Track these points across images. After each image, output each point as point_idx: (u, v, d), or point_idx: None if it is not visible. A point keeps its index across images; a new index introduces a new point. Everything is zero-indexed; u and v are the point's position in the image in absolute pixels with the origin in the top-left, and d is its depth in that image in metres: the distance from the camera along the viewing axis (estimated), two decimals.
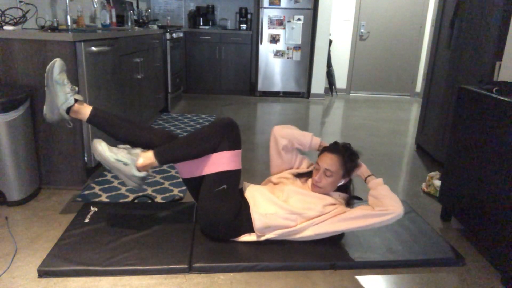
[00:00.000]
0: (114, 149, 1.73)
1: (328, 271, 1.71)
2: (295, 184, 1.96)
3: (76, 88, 1.83)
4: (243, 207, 1.81)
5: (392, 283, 1.65)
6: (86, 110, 1.80)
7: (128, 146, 1.78)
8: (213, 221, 1.75)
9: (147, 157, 1.73)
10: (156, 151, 1.74)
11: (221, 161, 1.75)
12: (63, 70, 1.79)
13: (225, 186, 1.74)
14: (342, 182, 1.90)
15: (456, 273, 1.74)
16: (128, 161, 1.70)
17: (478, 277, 1.72)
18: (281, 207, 1.79)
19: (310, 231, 1.79)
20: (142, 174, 1.73)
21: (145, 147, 1.79)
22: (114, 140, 1.89)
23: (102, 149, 1.71)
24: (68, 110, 1.78)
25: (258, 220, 1.76)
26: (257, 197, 1.85)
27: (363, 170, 1.90)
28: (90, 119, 1.81)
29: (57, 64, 1.75)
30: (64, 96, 1.77)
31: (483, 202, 1.80)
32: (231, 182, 1.76)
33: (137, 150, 1.75)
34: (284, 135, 2.02)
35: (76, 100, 1.79)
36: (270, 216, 1.76)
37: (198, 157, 1.76)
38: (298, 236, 1.81)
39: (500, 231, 1.67)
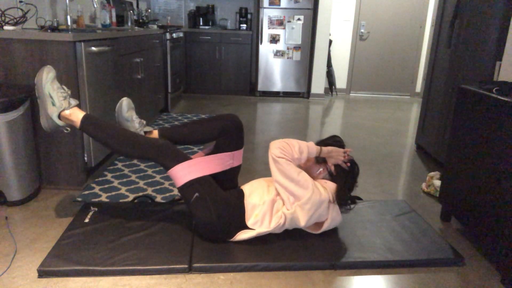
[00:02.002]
0: (56, 85, 1.74)
1: (328, 271, 1.71)
2: None
3: (144, 122, 1.93)
4: (239, 201, 1.81)
5: (392, 283, 1.65)
6: (155, 136, 1.90)
7: (69, 92, 1.81)
8: (206, 225, 1.76)
9: (75, 115, 1.75)
10: (85, 117, 1.77)
11: (176, 176, 1.76)
12: (130, 108, 1.90)
13: (197, 194, 1.74)
14: (320, 169, 1.92)
15: (456, 273, 1.74)
16: (57, 104, 1.71)
17: (478, 277, 1.72)
18: (267, 197, 1.81)
19: (285, 209, 1.80)
20: (60, 123, 1.76)
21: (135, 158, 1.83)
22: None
23: (46, 77, 1.72)
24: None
25: (250, 215, 1.79)
26: (254, 186, 1.88)
27: (324, 150, 1.86)
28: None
29: (124, 103, 1.87)
30: (134, 130, 1.87)
31: (483, 202, 1.80)
32: (201, 188, 1.75)
33: (74, 102, 1.79)
34: (281, 155, 1.80)
35: (146, 133, 1.88)
36: (259, 207, 1.79)
37: (115, 153, 1.81)
38: (282, 220, 1.79)
39: (500, 231, 1.67)
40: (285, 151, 1.78)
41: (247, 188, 1.89)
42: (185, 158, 1.79)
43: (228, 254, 1.73)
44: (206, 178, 1.79)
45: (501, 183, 1.67)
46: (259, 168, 2.88)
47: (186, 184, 1.75)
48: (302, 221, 1.78)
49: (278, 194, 1.83)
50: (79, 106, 1.90)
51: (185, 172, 1.75)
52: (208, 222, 1.74)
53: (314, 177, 1.93)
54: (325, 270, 1.71)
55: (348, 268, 1.73)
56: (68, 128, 1.88)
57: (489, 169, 1.76)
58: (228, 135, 1.91)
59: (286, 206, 1.80)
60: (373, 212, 2.21)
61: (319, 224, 1.88)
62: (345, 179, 1.88)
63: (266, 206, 1.80)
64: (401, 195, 2.56)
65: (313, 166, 1.93)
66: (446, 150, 2.20)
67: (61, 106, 1.77)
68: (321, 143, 1.94)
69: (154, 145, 1.77)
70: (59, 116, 1.79)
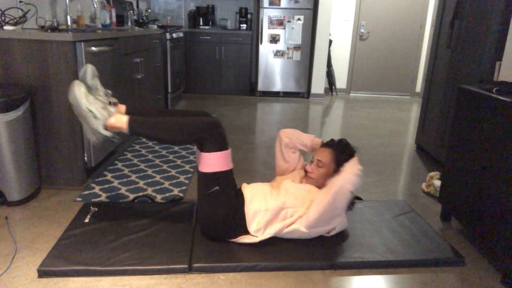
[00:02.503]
0: (91, 98, 1.67)
1: (328, 271, 1.71)
2: (294, 179, 1.98)
3: (110, 92, 1.80)
4: (239, 206, 1.80)
5: (392, 283, 1.65)
6: (121, 110, 1.80)
7: (105, 100, 1.73)
8: (211, 222, 1.76)
9: (120, 120, 1.69)
10: (130, 119, 1.70)
11: (210, 163, 1.72)
12: (95, 75, 1.77)
13: (217, 188, 1.73)
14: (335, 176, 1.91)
15: (456, 273, 1.74)
16: (99, 116, 1.65)
17: (478, 277, 1.72)
18: (272, 203, 1.79)
19: (297, 224, 1.79)
20: (107, 133, 1.69)
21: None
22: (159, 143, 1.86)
23: (79, 93, 1.65)
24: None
25: (252, 222, 1.77)
26: (255, 191, 1.86)
27: (351, 162, 1.87)
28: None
29: (89, 70, 1.72)
30: (99, 114, 1.71)
31: (483, 202, 1.80)
32: (223, 183, 1.75)
33: (113, 109, 1.72)
34: (287, 134, 2.09)
35: (111, 103, 1.76)
36: (262, 213, 1.77)
37: (170, 144, 1.74)
38: (288, 230, 1.80)
39: (500, 231, 1.67)
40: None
41: (248, 192, 1.86)
42: (227, 145, 1.76)
43: (228, 254, 1.73)
44: (230, 174, 1.78)
45: (501, 183, 1.67)
46: (259, 168, 2.88)
47: (215, 174, 1.72)
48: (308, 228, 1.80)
49: (285, 202, 1.80)
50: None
51: (220, 161, 1.72)
52: (212, 220, 1.74)
53: (325, 183, 1.90)
54: (325, 270, 1.71)
55: (348, 268, 1.73)
56: (117, 136, 1.81)
57: (489, 169, 1.76)
58: (214, 135, 1.76)
59: (302, 223, 1.78)
60: (373, 212, 2.21)
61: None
62: None
63: (270, 214, 1.78)
64: (401, 195, 2.56)
65: (332, 174, 1.91)
66: (446, 150, 2.20)
67: (104, 117, 1.69)
68: (331, 146, 1.95)
69: (206, 124, 1.70)
70: (105, 127, 1.71)
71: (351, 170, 1.74)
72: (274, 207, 1.78)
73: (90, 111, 1.64)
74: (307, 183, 1.93)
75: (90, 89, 1.76)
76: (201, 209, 1.77)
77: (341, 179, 1.72)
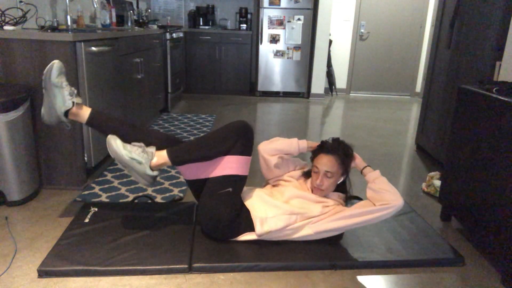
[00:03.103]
0: (128, 146, 1.70)
1: (328, 271, 1.71)
2: (294, 186, 1.95)
3: (75, 90, 1.80)
4: (244, 210, 1.81)
5: (392, 283, 1.65)
6: (85, 113, 1.79)
7: (142, 144, 1.76)
8: (214, 221, 1.75)
9: (161, 156, 1.73)
10: (170, 151, 1.74)
11: (230, 165, 1.74)
12: (61, 73, 1.76)
13: (230, 189, 1.74)
14: (342, 179, 1.92)
15: (456, 273, 1.74)
16: (143, 160, 1.69)
17: (478, 277, 1.72)
18: (281, 208, 1.79)
19: (309, 229, 1.79)
20: (155, 173, 1.73)
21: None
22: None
23: (117, 146, 1.68)
24: (67, 112, 1.77)
25: (260, 226, 1.76)
26: (256, 202, 1.84)
27: (358, 161, 1.90)
28: (89, 122, 1.80)
29: (55, 66, 1.73)
30: (62, 99, 1.75)
31: (483, 202, 1.80)
32: (237, 186, 1.77)
33: (151, 149, 1.75)
34: (271, 152, 1.97)
35: (74, 103, 1.77)
36: (270, 220, 1.76)
37: (211, 159, 1.76)
38: (297, 235, 1.81)
39: (499, 231, 1.67)
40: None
41: (247, 198, 1.86)
42: (251, 151, 1.79)
43: (228, 254, 1.73)
44: (244, 180, 1.80)
45: (501, 183, 1.67)
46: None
47: (234, 176, 1.74)
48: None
49: (293, 207, 1.80)
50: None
51: (242, 165, 1.75)
52: (217, 219, 1.74)
53: (332, 188, 1.90)
54: (325, 270, 1.71)
55: (348, 268, 1.73)
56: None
57: (489, 169, 1.76)
58: (246, 139, 1.79)
59: (320, 227, 1.78)
60: None
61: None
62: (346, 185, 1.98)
63: (282, 221, 1.77)
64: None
65: (339, 178, 1.90)
66: (446, 150, 2.20)
67: (147, 159, 1.71)
68: (345, 163, 1.89)
69: (238, 128, 1.74)
70: (151, 168, 1.72)
71: (397, 198, 1.72)
72: (284, 214, 1.78)
73: (133, 159, 1.68)
74: (314, 193, 1.89)
75: (55, 86, 1.73)
76: (205, 209, 1.75)
77: (394, 207, 1.70)
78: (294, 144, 1.96)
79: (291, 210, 1.78)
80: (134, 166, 1.69)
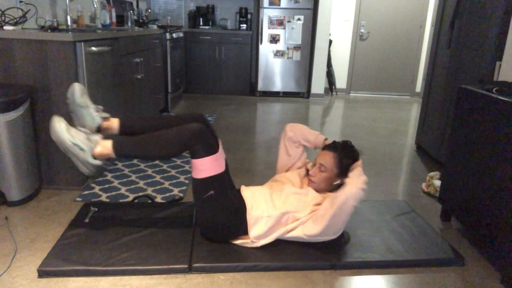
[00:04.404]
0: (73, 131, 1.68)
1: (328, 271, 1.71)
2: (295, 183, 1.96)
3: (101, 107, 1.85)
4: (239, 208, 1.79)
5: (392, 283, 1.65)
6: (114, 124, 1.83)
7: (87, 130, 1.75)
8: (211, 225, 1.75)
9: (105, 146, 1.69)
10: (115, 142, 1.70)
11: (201, 168, 1.70)
12: (84, 93, 1.80)
13: (212, 192, 1.71)
14: (339, 181, 1.90)
15: (456, 273, 1.74)
16: (85, 147, 1.66)
17: (478, 277, 1.72)
18: (275, 209, 1.78)
19: (299, 231, 1.79)
20: (98, 162, 1.70)
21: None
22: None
23: (61, 129, 1.65)
24: (99, 129, 1.80)
25: (253, 228, 1.76)
26: (256, 196, 1.84)
27: (355, 170, 1.84)
28: (121, 129, 1.81)
29: (76, 88, 1.76)
30: (91, 117, 1.78)
31: (483, 202, 1.80)
32: (218, 186, 1.73)
33: (97, 137, 1.72)
34: (292, 128, 2.08)
35: (103, 118, 1.81)
36: (264, 220, 1.76)
37: (159, 160, 1.75)
38: (289, 235, 1.80)
39: (500, 231, 1.67)
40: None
41: (248, 197, 1.83)
42: (216, 147, 1.73)
43: (228, 254, 1.73)
44: (224, 176, 1.75)
45: (501, 183, 1.67)
46: (259, 168, 2.88)
47: (209, 178, 1.70)
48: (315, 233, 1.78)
49: (287, 209, 1.79)
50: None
51: (212, 165, 1.70)
52: (212, 223, 1.74)
53: (327, 188, 1.90)
54: (325, 270, 1.71)
55: (348, 268, 1.73)
56: (108, 162, 1.82)
57: (489, 169, 1.76)
58: (204, 139, 1.72)
59: (305, 232, 1.77)
60: (373, 212, 2.21)
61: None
62: None
63: (273, 220, 1.77)
64: (401, 195, 2.56)
65: (335, 178, 1.89)
66: (446, 150, 2.20)
67: (90, 147, 1.69)
68: (343, 165, 1.87)
69: (191, 132, 1.67)
70: (94, 157, 1.71)
71: (355, 183, 1.69)
72: (277, 214, 1.77)
73: (75, 144, 1.65)
74: (308, 186, 1.92)
75: (81, 107, 1.78)
76: (199, 214, 1.76)
77: (346, 193, 1.67)
78: (313, 134, 2.06)
79: (282, 212, 1.77)
80: (75, 152, 1.65)
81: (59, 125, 1.65)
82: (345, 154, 1.87)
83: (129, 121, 1.86)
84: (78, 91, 1.77)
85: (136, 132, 1.84)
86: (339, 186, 1.91)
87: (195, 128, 1.68)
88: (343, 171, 1.86)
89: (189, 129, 1.68)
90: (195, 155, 1.69)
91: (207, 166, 1.69)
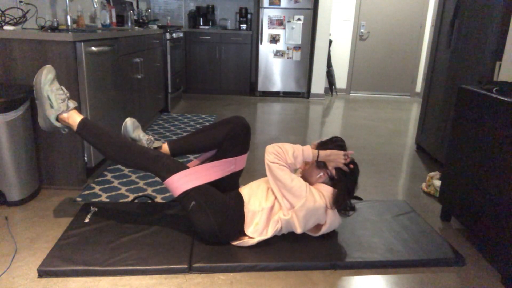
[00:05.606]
0: (55, 87, 1.73)
1: (328, 271, 1.71)
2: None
3: (152, 139, 1.88)
4: (238, 206, 1.78)
5: (392, 283, 1.65)
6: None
7: (68, 95, 1.81)
8: (207, 231, 1.75)
9: (73, 118, 1.77)
10: (83, 122, 1.77)
11: (172, 186, 1.73)
12: (136, 127, 1.85)
13: (194, 203, 1.72)
14: (321, 173, 1.85)
15: (456, 273, 1.74)
16: (55, 106, 1.71)
17: (478, 277, 1.72)
18: (267, 202, 1.78)
19: (288, 213, 1.76)
20: (58, 125, 1.77)
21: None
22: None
23: (45, 79, 1.71)
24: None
25: (250, 223, 1.77)
26: (254, 189, 1.86)
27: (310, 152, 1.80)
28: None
29: (44, 72, 1.76)
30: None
31: (483, 202, 1.80)
32: (197, 196, 1.72)
33: (73, 104, 1.79)
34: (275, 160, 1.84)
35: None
36: (259, 214, 1.77)
37: (116, 162, 1.79)
38: (283, 226, 1.78)
39: (500, 231, 1.67)
40: (279, 156, 1.74)
41: (245, 191, 1.85)
42: (182, 167, 1.76)
43: (228, 254, 1.73)
44: (202, 185, 1.75)
45: (501, 183, 1.67)
46: (259, 168, 2.88)
47: (182, 194, 1.72)
48: (298, 228, 1.77)
49: (276, 198, 1.80)
50: (78, 108, 1.90)
51: (181, 182, 1.72)
52: (207, 229, 1.73)
53: (314, 182, 1.88)
54: (325, 270, 1.71)
55: (348, 268, 1.73)
56: (66, 129, 1.86)
57: (489, 169, 1.76)
58: (234, 139, 1.88)
59: (283, 212, 1.77)
60: (373, 212, 2.21)
61: (318, 227, 1.88)
62: (346, 183, 1.83)
63: (266, 213, 1.77)
64: (401, 195, 2.56)
65: (313, 170, 1.87)
66: (446, 150, 2.20)
67: (59, 109, 1.77)
68: (321, 146, 1.87)
69: (150, 155, 1.75)
70: (57, 119, 1.79)
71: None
72: (268, 207, 1.77)
73: (49, 98, 1.71)
74: (300, 175, 1.95)
75: (134, 140, 1.85)
76: (193, 224, 1.77)
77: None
78: (299, 151, 1.79)
79: (273, 199, 1.79)
80: (44, 105, 1.72)
81: (45, 75, 1.72)
82: (320, 145, 1.88)
83: (176, 142, 1.94)
84: (129, 126, 1.86)
85: (186, 150, 1.95)
86: (332, 178, 1.86)
87: (154, 154, 1.76)
88: (321, 163, 1.84)
89: (151, 154, 1.75)
90: (162, 177, 1.75)
91: (177, 184, 1.72)
